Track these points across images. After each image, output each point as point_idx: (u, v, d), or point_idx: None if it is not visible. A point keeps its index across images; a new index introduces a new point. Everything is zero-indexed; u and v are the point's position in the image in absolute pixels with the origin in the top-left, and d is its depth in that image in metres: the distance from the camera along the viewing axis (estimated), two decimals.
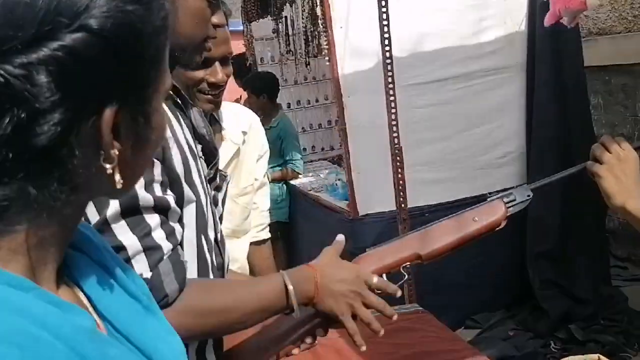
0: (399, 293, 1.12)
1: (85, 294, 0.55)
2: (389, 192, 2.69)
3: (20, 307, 0.45)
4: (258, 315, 1.04)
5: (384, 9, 2.47)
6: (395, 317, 1.10)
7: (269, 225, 2.35)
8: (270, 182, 3.61)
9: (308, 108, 4.36)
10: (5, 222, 0.46)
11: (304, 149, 4.33)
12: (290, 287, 1.02)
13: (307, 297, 1.04)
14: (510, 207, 1.29)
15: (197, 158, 1.07)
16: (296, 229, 3.81)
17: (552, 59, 3.07)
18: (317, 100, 4.27)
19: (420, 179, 3.13)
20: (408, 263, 1.18)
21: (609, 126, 3.87)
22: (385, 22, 2.48)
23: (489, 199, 1.28)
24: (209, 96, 1.45)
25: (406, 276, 1.18)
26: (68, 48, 0.43)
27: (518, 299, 3.28)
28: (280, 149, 3.72)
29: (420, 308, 2.43)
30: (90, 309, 0.54)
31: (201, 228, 1.04)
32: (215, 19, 1.11)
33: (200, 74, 1.42)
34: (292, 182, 3.78)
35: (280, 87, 3.88)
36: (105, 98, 0.46)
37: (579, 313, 2.99)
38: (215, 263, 1.11)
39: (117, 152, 0.48)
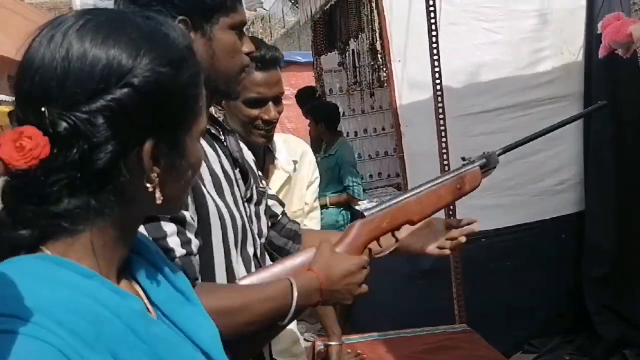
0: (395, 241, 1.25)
1: (141, 286, 0.74)
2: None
3: (88, 290, 0.62)
4: (265, 319, 1.08)
5: (434, 45, 2.63)
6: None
7: None
8: (329, 207, 3.81)
9: (374, 136, 4.55)
10: (77, 226, 0.66)
11: (370, 176, 4.49)
12: (295, 294, 1.07)
13: (312, 304, 1.13)
14: (484, 172, 1.37)
15: (233, 182, 1.21)
16: None
17: (609, 87, 3.11)
18: (383, 129, 4.44)
19: (477, 205, 3.21)
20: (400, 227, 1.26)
21: None
22: (436, 57, 2.64)
23: (468, 166, 1.35)
24: (262, 131, 1.68)
25: (395, 240, 1.26)
26: (117, 100, 0.63)
27: (576, 323, 3.29)
28: (339, 176, 3.88)
29: (469, 328, 2.52)
30: (145, 298, 0.73)
31: (233, 244, 1.15)
32: (245, 48, 1.21)
33: (255, 112, 1.67)
34: (356, 207, 3.94)
35: (343, 117, 4.07)
36: (144, 135, 0.66)
37: (635, 338, 2.97)
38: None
39: (156, 175, 0.67)
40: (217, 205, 1.13)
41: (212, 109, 1.49)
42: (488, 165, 1.36)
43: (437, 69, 2.65)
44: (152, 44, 0.67)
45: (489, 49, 3.16)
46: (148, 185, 0.66)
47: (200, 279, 1.08)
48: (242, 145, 1.33)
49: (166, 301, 0.73)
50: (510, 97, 3.21)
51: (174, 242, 1.02)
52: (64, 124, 0.61)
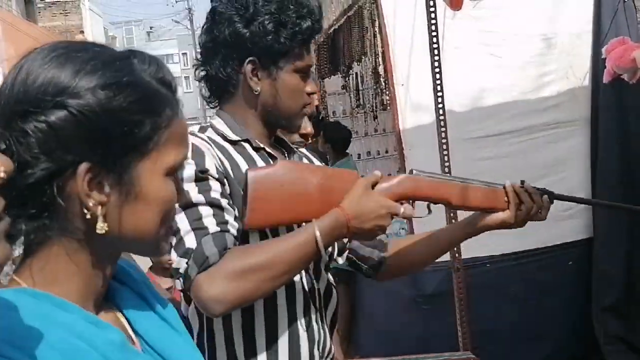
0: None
1: (125, 316, 0.73)
2: None
3: (64, 322, 0.62)
4: (297, 265, 1.18)
5: (437, 69, 2.61)
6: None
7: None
8: None
9: (378, 158, 4.51)
10: (36, 248, 0.66)
11: None
12: (318, 234, 1.15)
13: (341, 238, 1.24)
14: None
15: None
16: (358, 275, 3.91)
17: (616, 112, 3.07)
18: (386, 151, 4.41)
19: None
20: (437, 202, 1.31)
21: None
22: (438, 81, 2.62)
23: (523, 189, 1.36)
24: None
25: (428, 213, 1.30)
26: (48, 120, 0.63)
27: (585, 353, 3.21)
28: None
29: (472, 356, 2.47)
30: (129, 329, 0.72)
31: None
32: (308, 88, 1.33)
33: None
34: None
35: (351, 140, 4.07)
36: (78, 157, 0.64)
37: None
38: (306, 287, 1.29)
39: (96, 203, 0.65)
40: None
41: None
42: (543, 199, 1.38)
43: (439, 93, 2.62)
44: (98, 66, 0.66)
45: (493, 73, 3.14)
46: (85, 211, 0.65)
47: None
48: (311, 156, 1.44)
49: (151, 331, 0.73)
50: (514, 122, 3.18)
51: (209, 221, 1.15)
52: None
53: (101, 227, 0.66)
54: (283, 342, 1.27)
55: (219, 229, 1.15)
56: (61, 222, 0.65)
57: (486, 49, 3.14)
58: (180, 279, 1.16)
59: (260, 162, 1.29)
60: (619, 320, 3.08)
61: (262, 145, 1.32)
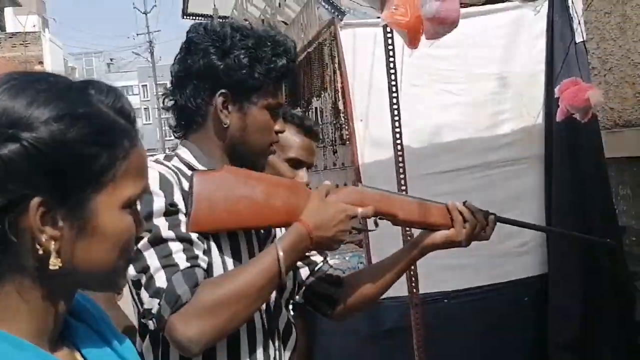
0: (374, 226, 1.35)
1: (82, 355, 0.70)
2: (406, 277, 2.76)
3: None
4: (268, 290, 1.19)
5: (395, 105, 2.64)
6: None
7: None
8: None
9: None
10: None
11: None
12: (281, 254, 1.17)
13: (305, 252, 1.26)
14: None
15: (252, 234, 1.30)
16: None
17: (569, 151, 3.14)
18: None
19: (440, 265, 3.18)
20: (383, 217, 1.33)
21: (638, 218, 3.84)
22: (396, 117, 2.65)
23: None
24: None
25: (375, 226, 1.34)
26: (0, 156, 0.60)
27: None
28: None
29: None
30: None
31: None
32: (277, 127, 1.33)
33: (292, 174, 1.84)
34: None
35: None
36: (31, 190, 0.62)
37: None
38: (266, 326, 1.28)
39: (49, 237, 0.63)
40: (224, 263, 1.22)
41: None
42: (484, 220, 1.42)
43: (397, 129, 2.65)
44: (52, 97, 0.64)
45: (450, 110, 3.19)
46: (37, 246, 0.63)
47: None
48: None
49: None
50: (471, 158, 3.22)
51: (179, 257, 1.13)
52: None
53: (54, 263, 0.63)
54: None
55: (189, 264, 1.14)
56: (12, 258, 0.63)
57: (443, 87, 3.19)
58: (153, 320, 1.12)
59: None
60: (574, 355, 3.10)
61: None
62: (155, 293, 1.12)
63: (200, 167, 1.28)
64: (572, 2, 3.03)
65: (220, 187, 1.22)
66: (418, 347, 2.73)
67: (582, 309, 3.11)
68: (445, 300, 3.18)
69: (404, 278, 2.82)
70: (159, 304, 1.11)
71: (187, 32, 1.33)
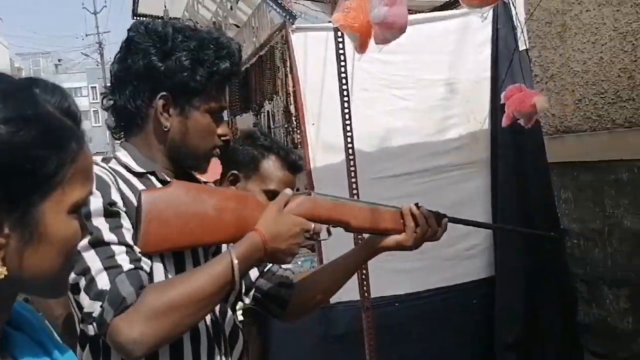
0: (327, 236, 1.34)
1: None
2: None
3: None
4: (218, 297, 1.16)
5: (346, 109, 2.66)
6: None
7: (245, 309, 2.43)
8: None
9: None
10: None
11: None
12: (235, 262, 1.14)
13: (258, 262, 1.24)
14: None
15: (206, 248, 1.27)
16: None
17: (514, 156, 3.23)
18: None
19: (391, 269, 3.22)
20: (336, 225, 1.33)
21: (579, 221, 3.98)
22: (347, 121, 2.67)
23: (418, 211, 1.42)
24: None
25: (328, 235, 1.33)
26: None
27: None
28: None
29: None
30: None
31: None
32: (220, 130, 1.29)
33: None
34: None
35: None
36: None
37: None
38: (211, 330, 1.25)
39: None
40: (165, 270, 1.19)
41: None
42: (437, 219, 1.45)
43: (349, 133, 2.67)
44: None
45: (400, 115, 3.23)
46: None
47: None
48: None
49: None
50: (420, 162, 3.27)
51: (122, 259, 1.10)
52: None
53: (0, 271, 0.61)
54: None
55: (132, 266, 1.10)
56: None
57: (393, 92, 3.24)
58: (94, 324, 1.08)
59: None
60: (519, 355, 3.18)
61: (168, 179, 1.27)
62: (97, 295, 1.08)
63: (138, 169, 1.25)
64: (516, 11, 3.13)
65: (170, 205, 1.18)
66: (369, 350, 2.76)
67: (527, 310, 3.20)
68: (397, 304, 3.22)
69: (355, 282, 2.84)
70: (101, 306, 1.07)
71: (128, 31, 1.28)
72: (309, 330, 3.32)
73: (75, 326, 1.24)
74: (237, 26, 4.52)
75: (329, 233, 1.33)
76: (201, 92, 1.24)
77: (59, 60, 47.70)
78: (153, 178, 1.26)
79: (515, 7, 3.15)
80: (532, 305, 3.20)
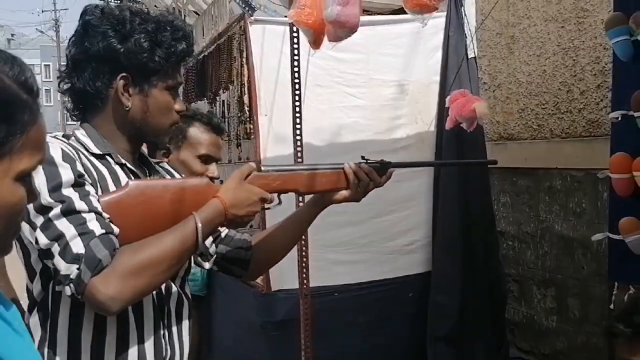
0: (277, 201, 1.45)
1: None
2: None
3: None
4: (184, 257, 1.28)
5: (297, 102, 2.75)
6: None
7: None
8: None
9: None
10: None
11: None
12: (199, 225, 1.25)
13: (219, 226, 1.36)
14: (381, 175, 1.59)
15: None
16: (215, 302, 3.90)
17: (456, 158, 3.36)
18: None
19: (333, 260, 3.33)
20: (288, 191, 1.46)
21: (515, 224, 4.18)
22: (298, 114, 2.75)
23: (362, 164, 1.55)
24: None
25: (278, 202, 1.44)
26: None
27: None
28: None
29: None
30: None
31: None
32: (177, 106, 1.37)
33: (203, 168, 2.09)
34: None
35: None
36: None
37: None
38: (157, 304, 1.32)
39: None
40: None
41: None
42: (382, 169, 1.56)
43: (298, 126, 2.75)
44: None
45: (351, 112, 3.33)
46: None
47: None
48: (172, 171, 1.51)
49: None
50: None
51: (93, 225, 1.17)
52: None
53: None
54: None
55: (104, 231, 1.17)
56: None
57: (346, 90, 3.33)
58: (71, 285, 1.15)
59: (123, 177, 1.32)
60: (449, 348, 3.33)
61: (124, 161, 1.34)
62: (74, 259, 1.14)
63: (96, 150, 1.31)
64: (467, 20, 3.27)
65: (127, 208, 1.25)
66: (305, 336, 2.84)
67: (459, 306, 3.34)
68: (336, 294, 3.32)
69: (296, 272, 2.93)
70: (78, 268, 1.14)
71: (82, 14, 1.33)
72: (248, 317, 3.39)
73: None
74: (197, 13, 4.54)
75: (279, 201, 1.45)
76: (159, 71, 1.31)
77: (12, 35, 46.07)
78: (110, 160, 1.33)
79: (466, 16, 3.29)
80: (463, 301, 3.34)
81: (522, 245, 4.12)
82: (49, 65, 40.43)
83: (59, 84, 1.36)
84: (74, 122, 1.41)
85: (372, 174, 1.54)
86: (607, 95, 3.26)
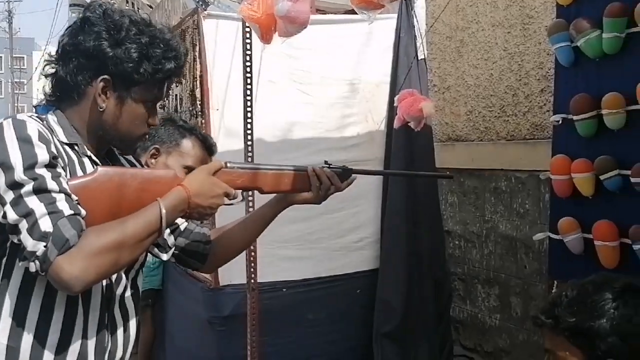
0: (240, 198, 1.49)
1: None
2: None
3: None
4: (149, 241, 1.30)
5: (248, 97, 2.75)
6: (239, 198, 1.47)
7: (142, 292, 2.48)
8: None
9: None
10: None
11: None
12: (164, 212, 1.28)
13: (182, 214, 1.36)
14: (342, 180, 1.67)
15: None
16: (167, 297, 3.87)
17: (405, 157, 3.42)
18: None
19: (282, 255, 3.35)
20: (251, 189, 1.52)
21: (462, 223, 4.29)
22: (249, 109, 2.76)
23: (326, 169, 1.62)
24: None
25: (241, 198, 1.48)
26: None
27: None
28: None
29: None
30: None
31: None
32: (150, 120, 1.40)
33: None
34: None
35: None
36: None
37: None
38: (104, 294, 1.34)
39: None
40: None
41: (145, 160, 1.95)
42: (343, 175, 1.63)
43: (249, 120, 2.76)
44: None
45: (302, 109, 3.35)
46: None
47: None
48: (136, 163, 1.54)
49: None
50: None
51: (62, 205, 1.19)
52: None
53: None
54: (74, 349, 1.29)
55: (72, 212, 1.19)
56: None
57: (298, 87, 3.35)
58: (37, 262, 1.16)
59: (89, 166, 1.34)
60: (394, 345, 3.38)
61: (89, 153, 1.37)
62: (41, 237, 1.16)
63: (64, 139, 1.33)
64: (417, 22, 3.33)
65: (94, 192, 1.27)
66: (252, 331, 2.84)
67: (404, 303, 3.39)
68: (284, 290, 3.33)
69: (244, 266, 2.93)
70: (45, 246, 1.16)
71: (85, 9, 1.36)
72: (197, 313, 3.37)
73: None
74: (150, 7, 4.49)
75: (242, 197, 1.50)
76: (142, 83, 1.33)
77: None
78: (76, 150, 1.34)
79: (417, 19, 3.35)
80: (409, 299, 3.40)
81: (468, 244, 4.23)
82: (0, 57, 39.08)
83: (43, 67, 1.39)
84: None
85: (334, 179, 1.60)
86: (550, 100, 3.38)
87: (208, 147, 2.23)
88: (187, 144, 2.18)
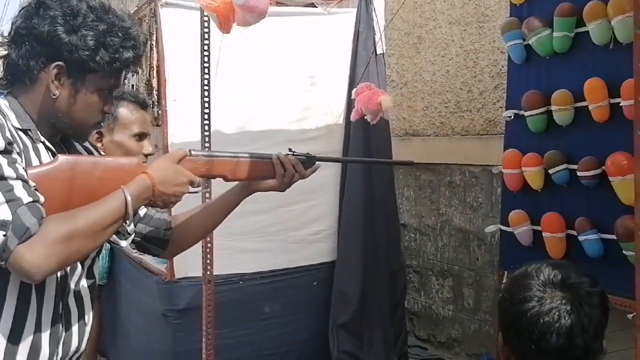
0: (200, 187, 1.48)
1: None
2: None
3: None
4: (112, 229, 1.28)
5: (206, 87, 2.73)
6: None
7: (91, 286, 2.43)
8: None
9: None
10: None
11: None
12: (129, 199, 1.27)
13: (146, 201, 1.35)
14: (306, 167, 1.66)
15: None
16: (120, 291, 3.81)
17: (362, 150, 3.46)
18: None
19: (239, 248, 3.34)
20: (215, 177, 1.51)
21: (417, 217, 4.36)
22: (206, 99, 2.74)
23: (289, 156, 1.61)
24: None
25: (206, 186, 1.49)
26: None
27: None
28: None
29: None
30: None
31: None
32: (105, 108, 1.37)
33: (139, 146, 2.10)
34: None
35: None
36: None
37: None
38: (59, 282, 1.30)
39: None
40: None
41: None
42: (308, 162, 1.62)
43: (207, 110, 2.74)
44: None
45: (262, 101, 3.35)
46: None
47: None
48: (94, 151, 1.51)
49: None
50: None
51: (20, 192, 1.16)
52: None
53: None
54: (27, 338, 1.27)
55: (31, 199, 1.16)
56: None
57: (257, 78, 3.35)
58: None
59: (43, 152, 1.31)
60: (350, 337, 3.42)
61: (43, 139, 1.33)
62: (1, 225, 1.14)
63: (16, 124, 1.29)
64: (376, 17, 3.37)
65: (55, 181, 1.25)
66: (207, 323, 2.83)
67: (360, 295, 3.44)
68: (241, 282, 3.33)
69: (200, 259, 2.91)
70: (4, 235, 1.13)
71: None
72: (151, 306, 3.34)
73: None
74: None
75: (206, 185, 1.48)
76: (97, 72, 1.29)
77: None
78: (30, 136, 1.31)
79: (376, 14, 3.39)
80: (365, 290, 3.44)
81: (423, 237, 4.31)
82: None
83: None
84: None
85: (298, 166, 1.60)
86: (503, 96, 3.47)
87: (142, 104, 2.15)
88: (124, 112, 2.10)
